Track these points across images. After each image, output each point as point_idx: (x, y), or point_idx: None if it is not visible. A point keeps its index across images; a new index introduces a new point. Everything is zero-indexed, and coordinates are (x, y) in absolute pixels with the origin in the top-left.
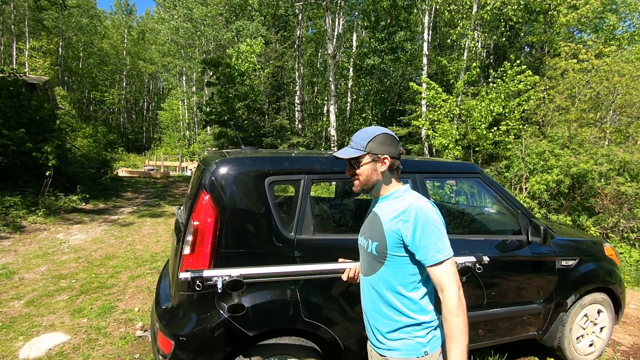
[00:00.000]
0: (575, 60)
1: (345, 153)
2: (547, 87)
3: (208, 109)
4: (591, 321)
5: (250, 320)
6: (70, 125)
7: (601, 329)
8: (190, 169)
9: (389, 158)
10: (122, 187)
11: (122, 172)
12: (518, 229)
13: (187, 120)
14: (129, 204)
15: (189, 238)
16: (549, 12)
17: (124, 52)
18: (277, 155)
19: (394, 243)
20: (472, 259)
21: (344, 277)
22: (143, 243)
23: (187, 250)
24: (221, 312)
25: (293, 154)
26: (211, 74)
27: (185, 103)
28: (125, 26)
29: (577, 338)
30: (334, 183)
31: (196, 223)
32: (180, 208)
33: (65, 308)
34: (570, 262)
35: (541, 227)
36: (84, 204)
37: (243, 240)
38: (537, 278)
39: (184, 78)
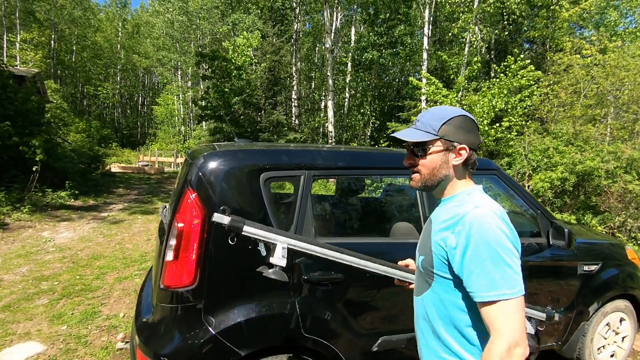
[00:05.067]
0: (578, 56)
1: (409, 135)
2: (551, 82)
3: (203, 103)
4: (613, 330)
5: (242, 337)
6: (62, 120)
7: (623, 338)
8: None
9: (467, 149)
10: (114, 183)
11: (115, 168)
12: (537, 231)
13: (182, 116)
14: (120, 201)
15: (172, 242)
16: (551, 7)
17: (118, 46)
18: (274, 149)
19: (439, 259)
20: (541, 315)
21: (396, 281)
22: (133, 242)
23: (169, 256)
24: (209, 328)
25: (292, 147)
26: (207, 67)
27: (181, 98)
28: (119, 19)
29: (599, 349)
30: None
31: (180, 225)
32: (165, 207)
33: (44, 313)
34: (593, 267)
35: (565, 230)
36: (72, 200)
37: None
38: (557, 284)
39: (179, 72)
